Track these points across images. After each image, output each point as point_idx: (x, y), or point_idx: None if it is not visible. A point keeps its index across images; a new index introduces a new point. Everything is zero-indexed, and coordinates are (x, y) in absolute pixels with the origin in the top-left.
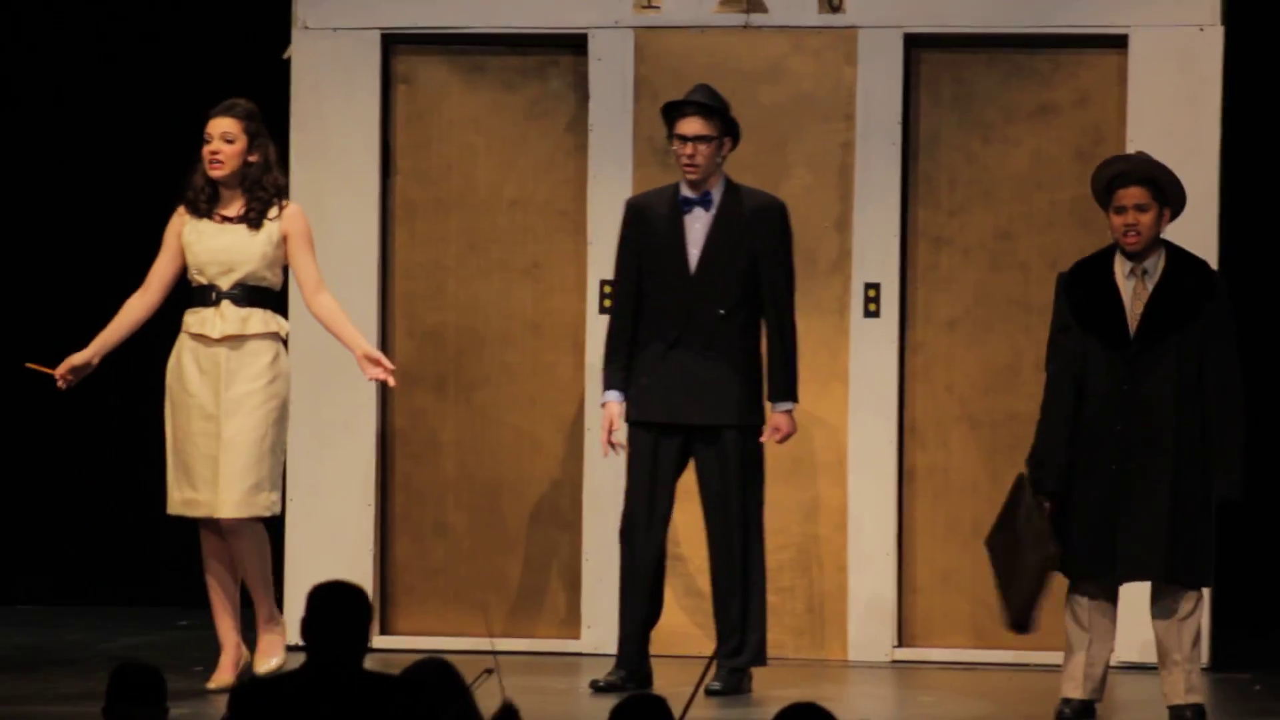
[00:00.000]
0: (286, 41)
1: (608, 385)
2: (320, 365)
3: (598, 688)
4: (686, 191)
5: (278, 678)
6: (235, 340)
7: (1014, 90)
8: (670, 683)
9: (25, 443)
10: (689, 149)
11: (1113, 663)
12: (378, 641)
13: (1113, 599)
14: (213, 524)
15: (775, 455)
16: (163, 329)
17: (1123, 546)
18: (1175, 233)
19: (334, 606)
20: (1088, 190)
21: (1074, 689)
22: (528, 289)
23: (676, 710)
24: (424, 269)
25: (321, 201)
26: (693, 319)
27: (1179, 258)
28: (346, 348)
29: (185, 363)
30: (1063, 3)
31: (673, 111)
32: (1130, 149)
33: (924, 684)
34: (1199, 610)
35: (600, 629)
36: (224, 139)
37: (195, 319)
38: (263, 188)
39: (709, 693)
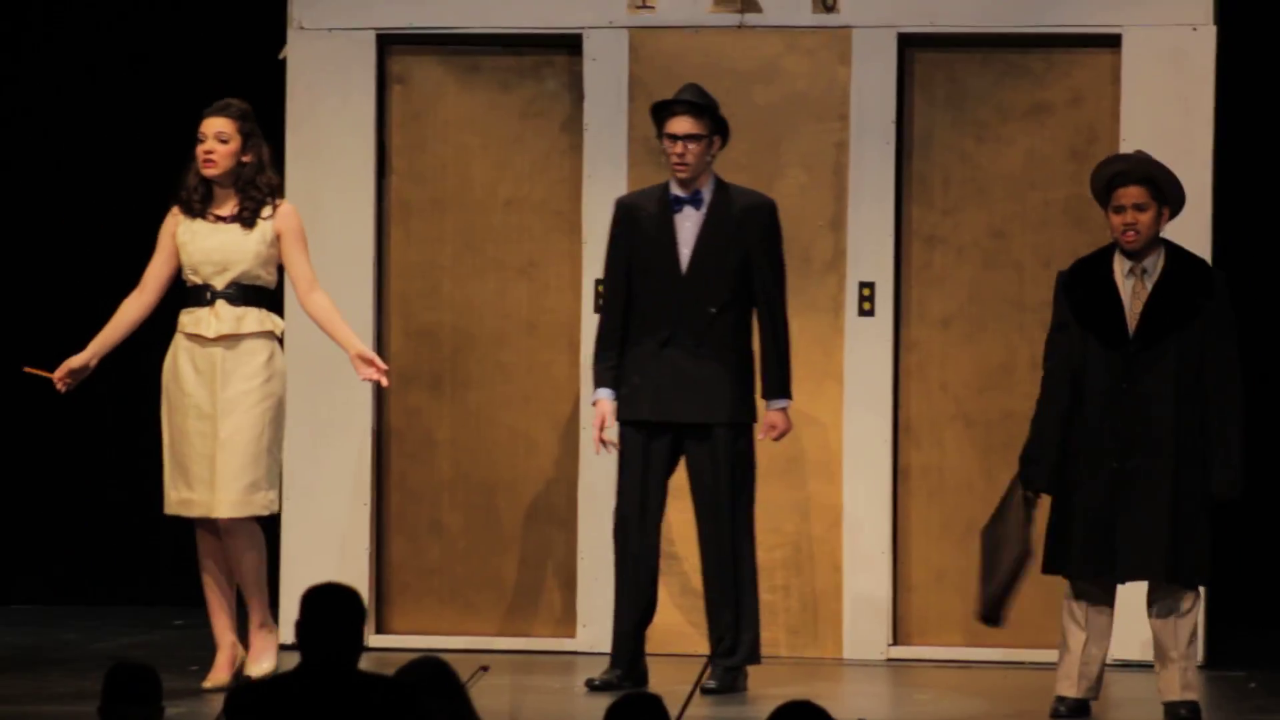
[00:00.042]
0: (282, 42)
1: (598, 383)
2: (315, 364)
3: (593, 686)
4: (677, 190)
5: (273, 679)
6: (230, 340)
7: (1007, 90)
8: (665, 681)
9: (21, 443)
10: (679, 148)
11: (1108, 660)
12: (373, 640)
13: (1110, 598)
14: (209, 524)
15: (770, 454)
16: (159, 329)
17: (1123, 546)
18: (1169, 232)
19: (328, 609)
20: (1081, 189)
21: (1069, 687)
22: (523, 288)
23: (672, 709)
24: (419, 268)
25: (317, 201)
26: (684, 318)
27: (1178, 257)
28: (340, 347)
29: (181, 362)
30: (1056, 2)
31: (662, 111)
32: (1123, 148)
33: (919, 682)
34: (1196, 608)
35: (596, 628)
36: (218, 138)
37: (190, 318)
38: (256, 187)
39: (704, 691)
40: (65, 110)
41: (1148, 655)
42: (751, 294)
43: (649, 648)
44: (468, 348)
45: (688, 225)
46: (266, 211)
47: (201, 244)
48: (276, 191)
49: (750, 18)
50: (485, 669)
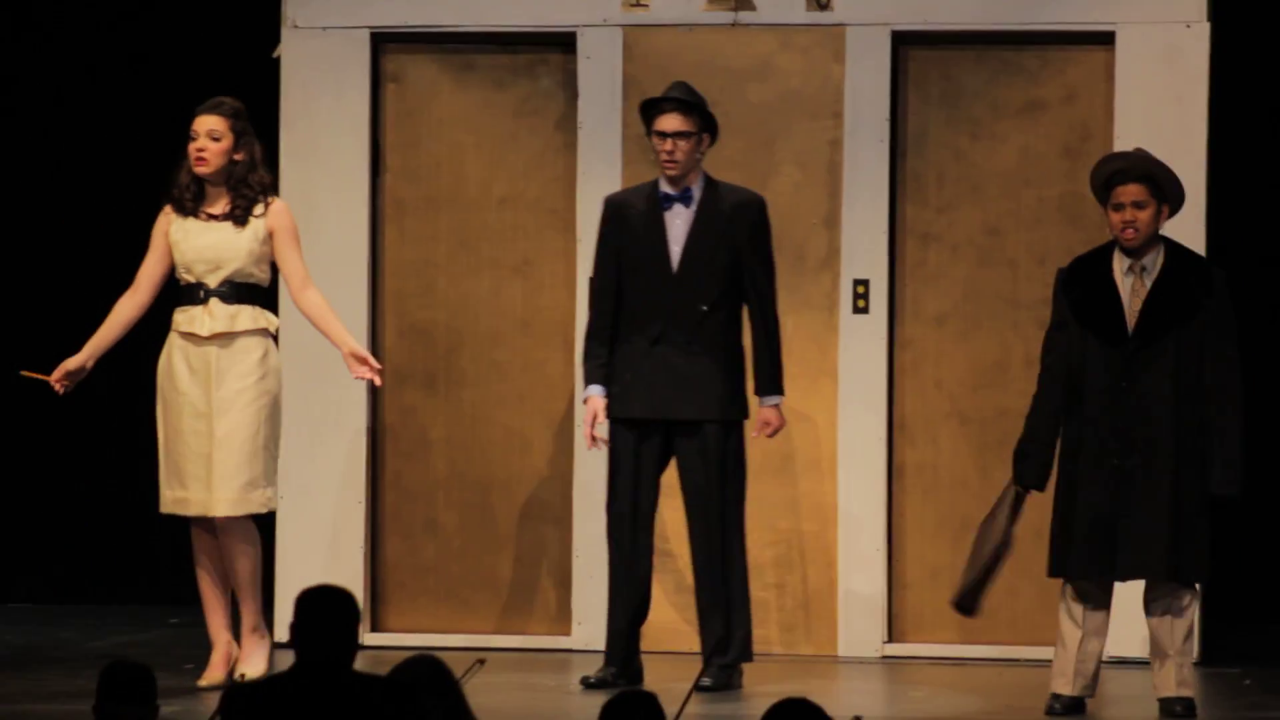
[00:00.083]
0: (276, 40)
1: (589, 380)
2: (310, 362)
3: (588, 684)
4: (666, 188)
5: (268, 679)
6: (224, 338)
7: (1001, 87)
8: (660, 679)
9: (17, 443)
10: (668, 145)
11: (1104, 657)
12: (368, 639)
13: (1108, 596)
14: (205, 522)
15: (765, 451)
16: (155, 327)
17: (1124, 546)
18: (1166, 230)
19: (323, 611)
20: (1075, 186)
21: (1064, 685)
22: (517, 287)
23: (667, 706)
24: (414, 267)
25: (311, 200)
26: (676, 316)
27: (1178, 255)
28: (334, 345)
29: (175, 361)
30: (1050, 0)
31: (651, 108)
32: (1117, 145)
33: (914, 679)
34: (1193, 606)
35: (591, 625)
36: (210, 136)
37: (184, 317)
38: (248, 185)
39: (700, 689)
40: (59, 109)
41: (1143, 652)
42: (742, 291)
43: (643, 645)
44: (462, 346)
45: (678, 223)
46: (258, 209)
47: (194, 242)
48: (269, 189)
49: (744, 16)
50: (482, 662)
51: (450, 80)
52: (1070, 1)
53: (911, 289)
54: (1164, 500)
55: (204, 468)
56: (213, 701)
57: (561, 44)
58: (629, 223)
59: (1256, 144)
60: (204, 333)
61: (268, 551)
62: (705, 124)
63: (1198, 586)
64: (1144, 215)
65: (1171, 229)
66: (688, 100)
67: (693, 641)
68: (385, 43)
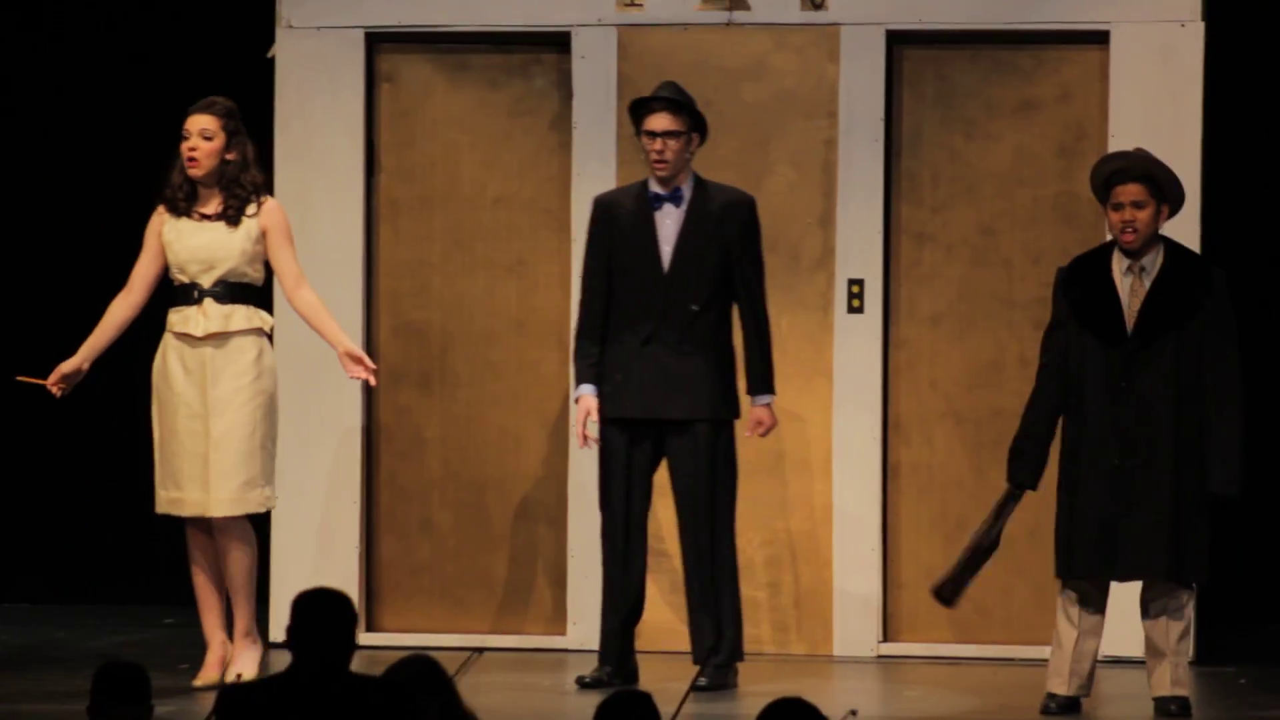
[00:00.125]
0: (270, 40)
1: (580, 379)
2: (304, 362)
3: (584, 684)
4: (656, 188)
5: (264, 680)
6: (219, 338)
7: (996, 86)
8: (656, 678)
9: (14, 443)
10: (658, 144)
11: (1099, 657)
12: (364, 639)
13: (1104, 595)
14: (200, 522)
15: (760, 451)
16: (150, 328)
17: (1124, 546)
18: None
19: (319, 615)
20: (1070, 186)
21: (1059, 685)
22: (512, 286)
23: (662, 706)
24: (408, 266)
25: (306, 200)
26: (667, 315)
27: (1177, 255)
28: (328, 344)
29: (170, 362)
30: None
31: (640, 108)
32: (1112, 144)
33: (909, 679)
34: (1190, 606)
35: (586, 625)
36: (202, 136)
37: (179, 317)
38: (240, 185)
39: (695, 689)
40: (53, 109)
41: (1139, 651)
42: (732, 290)
43: (639, 645)
44: (457, 346)
45: (668, 223)
46: (251, 209)
47: (187, 242)
48: (261, 189)
49: (738, 15)
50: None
51: (445, 80)
52: (1065, 1)
53: (906, 289)
54: (1164, 500)
55: (200, 468)
56: (207, 702)
57: (556, 44)
58: (619, 223)
59: (1251, 143)
60: (199, 333)
61: (263, 552)
62: (694, 123)
63: (1195, 586)
64: (1143, 215)
65: (1167, 228)
66: (677, 99)
67: (688, 641)
68: (380, 42)
